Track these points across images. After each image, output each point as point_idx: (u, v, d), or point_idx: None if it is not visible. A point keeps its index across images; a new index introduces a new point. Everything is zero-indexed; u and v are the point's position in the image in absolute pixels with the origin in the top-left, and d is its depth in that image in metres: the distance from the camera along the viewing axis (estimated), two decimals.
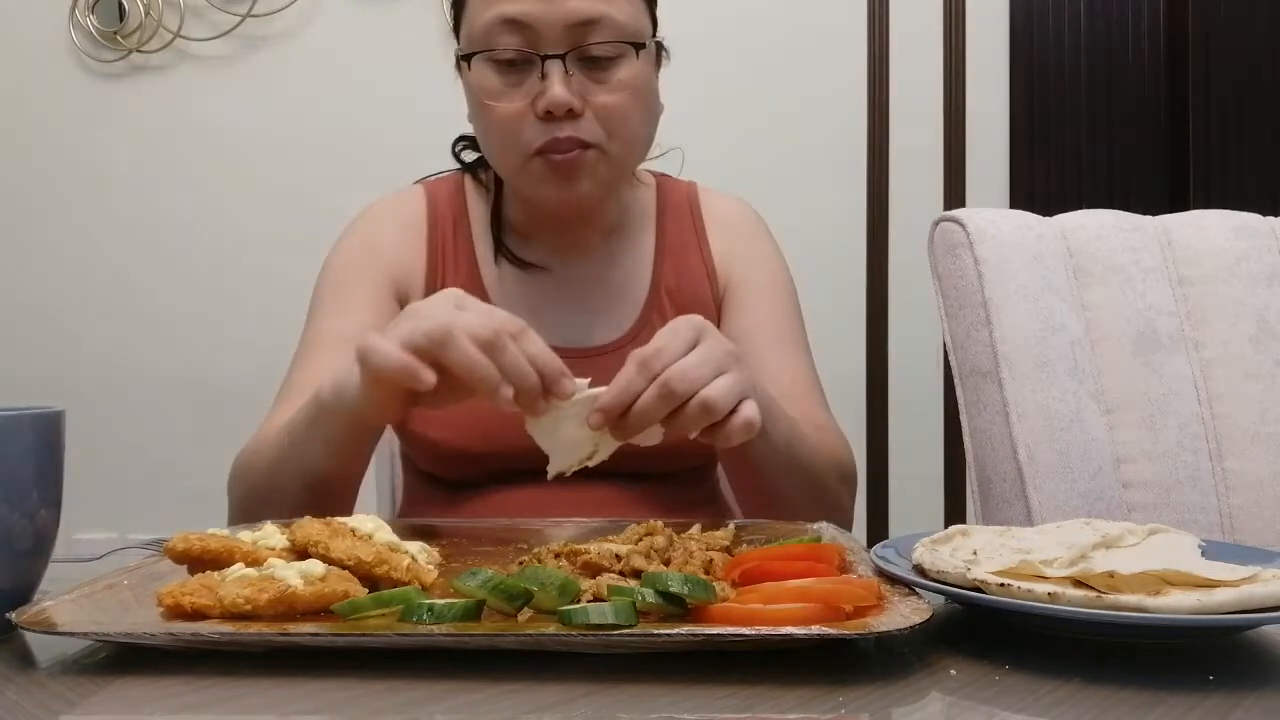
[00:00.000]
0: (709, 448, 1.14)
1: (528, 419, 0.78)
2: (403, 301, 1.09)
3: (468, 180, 1.16)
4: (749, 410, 0.80)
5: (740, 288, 1.14)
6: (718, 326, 1.14)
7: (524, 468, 1.04)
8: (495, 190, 1.13)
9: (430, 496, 1.09)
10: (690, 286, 1.13)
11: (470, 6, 1.01)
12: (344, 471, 0.92)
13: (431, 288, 1.09)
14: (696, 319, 0.81)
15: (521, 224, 1.12)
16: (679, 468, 1.10)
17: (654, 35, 1.05)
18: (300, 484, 0.90)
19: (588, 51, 0.97)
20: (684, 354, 0.78)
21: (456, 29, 1.05)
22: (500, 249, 1.11)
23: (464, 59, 1.00)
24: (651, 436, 0.80)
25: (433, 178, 1.19)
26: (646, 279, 1.13)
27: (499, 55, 0.98)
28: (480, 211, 1.13)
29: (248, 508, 0.94)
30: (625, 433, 0.78)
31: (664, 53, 1.08)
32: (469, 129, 1.10)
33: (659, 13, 1.08)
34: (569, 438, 0.79)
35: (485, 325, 0.74)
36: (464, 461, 1.05)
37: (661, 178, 1.21)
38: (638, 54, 1.00)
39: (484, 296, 1.08)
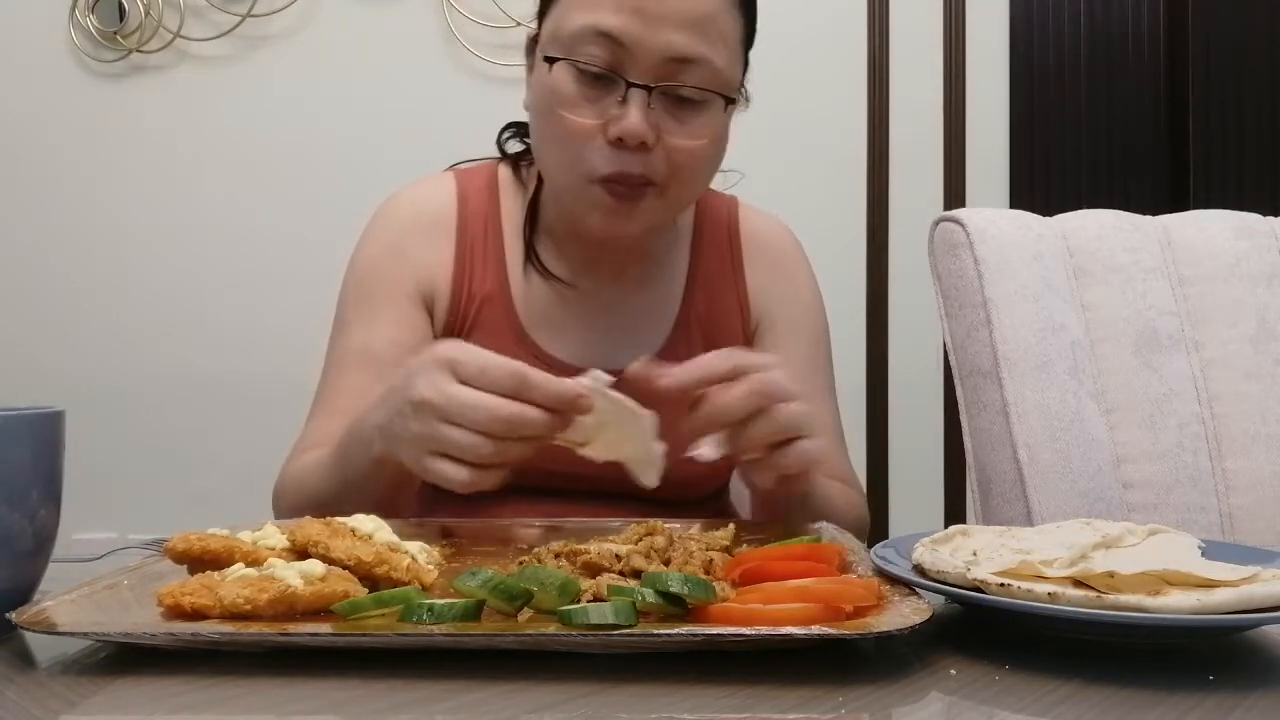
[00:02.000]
0: (722, 478, 1.12)
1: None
2: (429, 307, 1.06)
3: (502, 174, 1.11)
4: (812, 444, 0.79)
5: (775, 326, 1.11)
6: None
7: (534, 484, 1.01)
8: (534, 191, 1.08)
9: (438, 499, 1.08)
10: (722, 317, 1.10)
11: (565, 3, 0.95)
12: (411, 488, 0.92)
13: (458, 292, 1.05)
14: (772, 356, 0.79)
15: (557, 233, 1.07)
16: (693, 495, 1.08)
17: (743, 83, 1.01)
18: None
19: (676, 91, 0.92)
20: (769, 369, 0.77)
21: (541, 14, 0.99)
22: (530, 257, 1.06)
23: (547, 60, 0.94)
24: (709, 448, 0.78)
25: (465, 165, 1.13)
26: (676, 304, 1.09)
27: (583, 66, 0.92)
28: (513, 212, 1.08)
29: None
30: (696, 424, 0.76)
31: (745, 100, 1.03)
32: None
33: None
34: (628, 445, 0.77)
35: (483, 409, 0.72)
36: None
37: (703, 193, 1.16)
38: (726, 106, 0.95)
39: (509, 307, 1.05)
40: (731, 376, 0.77)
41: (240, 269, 2.37)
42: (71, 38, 2.36)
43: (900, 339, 2.30)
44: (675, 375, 0.77)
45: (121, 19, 2.34)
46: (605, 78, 0.92)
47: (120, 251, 2.39)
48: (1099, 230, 1.25)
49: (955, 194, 2.29)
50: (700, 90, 0.93)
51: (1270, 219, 1.30)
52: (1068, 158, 2.31)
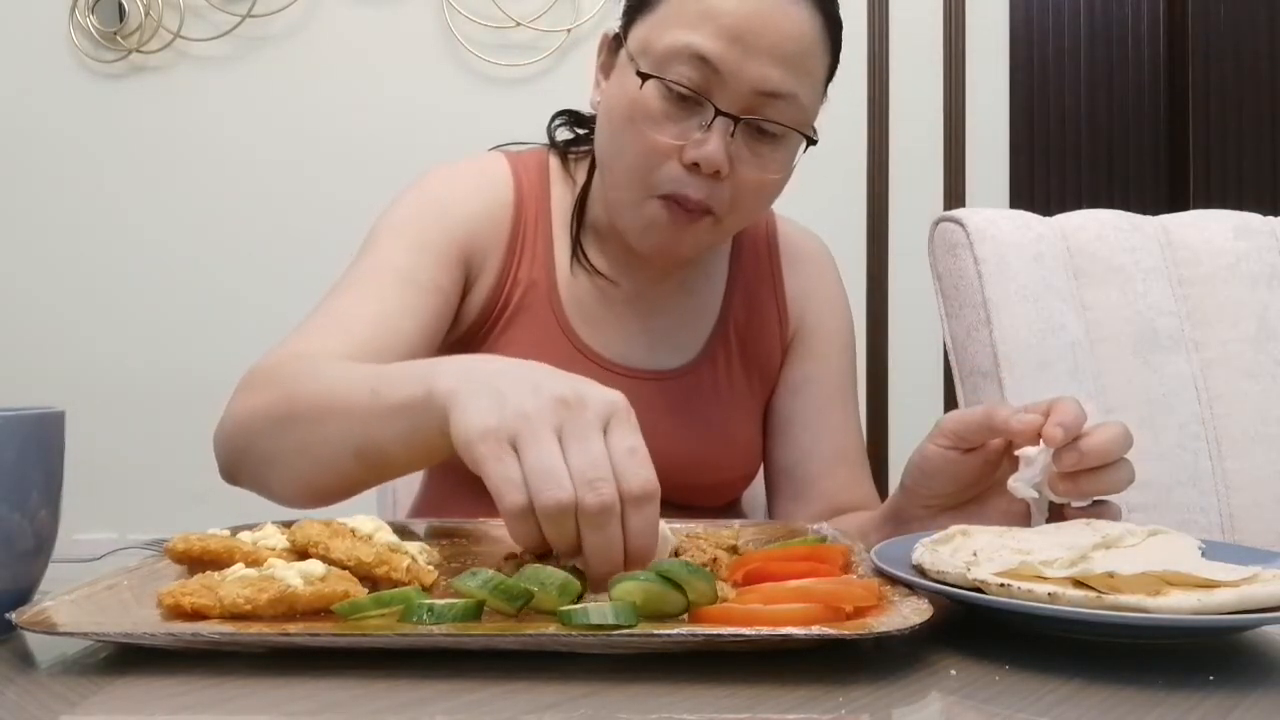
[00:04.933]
0: (738, 490, 1.11)
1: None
2: (471, 275, 1.02)
3: (553, 163, 1.09)
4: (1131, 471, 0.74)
5: (811, 335, 1.12)
6: (780, 367, 1.12)
7: None
8: (583, 186, 1.06)
9: (444, 500, 1.06)
10: (759, 323, 1.11)
11: (661, 15, 0.92)
12: (414, 465, 0.78)
13: (505, 274, 1.03)
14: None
15: (603, 230, 1.06)
16: (710, 505, 1.07)
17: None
18: (352, 455, 0.75)
19: (761, 124, 0.91)
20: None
21: (630, 19, 0.97)
22: (577, 251, 1.05)
23: (640, 75, 0.91)
24: (1025, 486, 0.74)
25: (512, 149, 1.10)
26: (716, 309, 1.10)
27: (672, 85, 0.90)
28: (563, 202, 1.07)
29: (268, 425, 0.80)
30: (1068, 461, 0.71)
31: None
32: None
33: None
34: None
35: (605, 496, 0.59)
36: None
37: None
38: (805, 146, 0.96)
39: (555, 297, 1.04)
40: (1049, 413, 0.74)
41: (240, 269, 2.37)
42: (71, 38, 2.36)
43: (900, 339, 2.30)
44: (1024, 418, 0.74)
45: (121, 19, 2.34)
46: (692, 100, 0.91)
47: (120, 251, 2.39)
48: (1099, 230, 1.25)
49: (955, 194, 2.29)
50: (783, 127, 0.92)
51: (1270, 219, 1.30)
52: (1068, 158, 2.31)
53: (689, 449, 1.03)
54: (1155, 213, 1.31)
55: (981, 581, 0.58)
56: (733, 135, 0.90)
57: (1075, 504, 0.74)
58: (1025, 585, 0.57)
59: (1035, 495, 0.74)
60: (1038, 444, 0.74)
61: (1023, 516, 0.77)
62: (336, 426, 0.75)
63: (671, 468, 1.00)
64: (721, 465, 1.07)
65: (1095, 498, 0.74)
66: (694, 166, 0.91)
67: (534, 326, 1.02)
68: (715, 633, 0.53)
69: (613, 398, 0.63)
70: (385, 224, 1.01)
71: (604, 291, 1.06)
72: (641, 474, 0.61)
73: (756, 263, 1.13)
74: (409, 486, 1.23)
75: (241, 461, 0.86)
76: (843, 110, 2.33)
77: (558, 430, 0.60)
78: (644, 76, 0.91)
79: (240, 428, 0.85)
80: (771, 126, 0.92)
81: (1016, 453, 0.75)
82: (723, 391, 1.08)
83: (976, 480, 0.80)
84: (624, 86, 0.94)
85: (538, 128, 1.14)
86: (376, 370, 0.75)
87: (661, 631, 0.53)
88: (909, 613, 0.55)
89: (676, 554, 0.67)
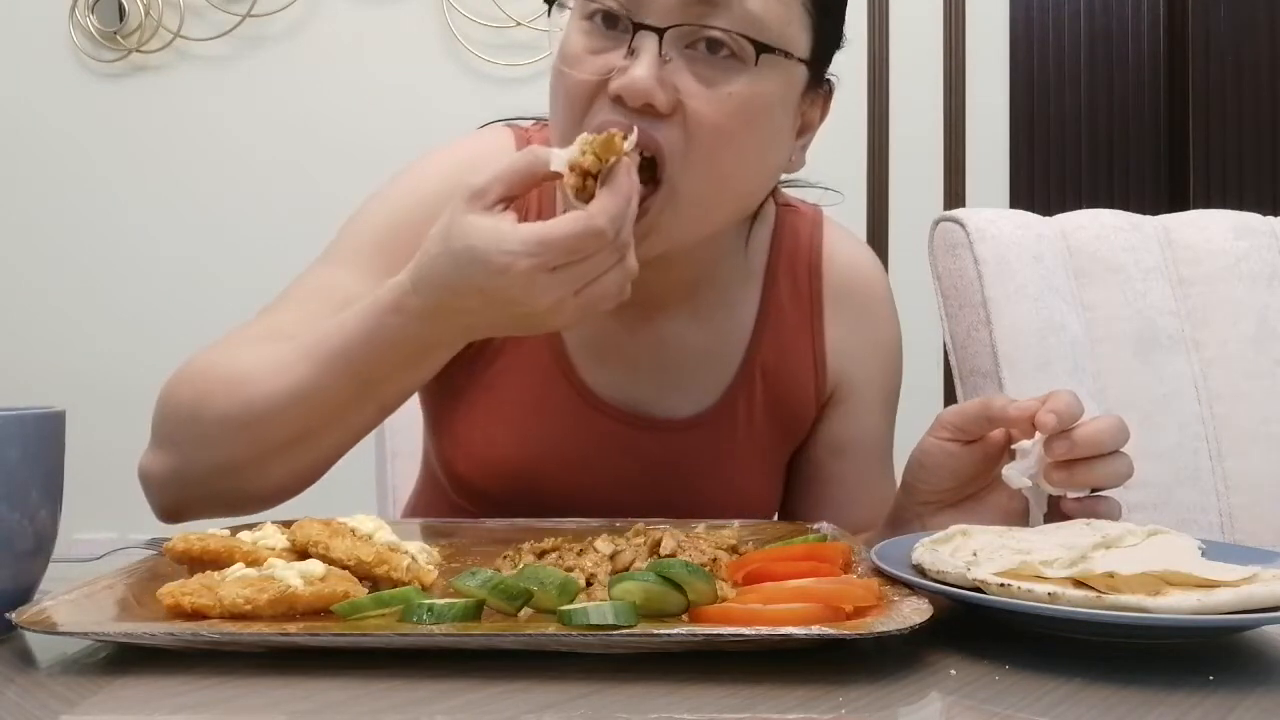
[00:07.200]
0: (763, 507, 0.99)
1: None
2: None
3: None
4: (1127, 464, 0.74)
5: (854, 392, 0.97)
6: (814, 420, 0.98)
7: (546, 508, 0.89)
8: None
9: (447, 505, 1.00)
10: (791, 370, 0.95)
11: None
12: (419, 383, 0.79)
13: None
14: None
15: None
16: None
17: (815, 60, 0.82)
18: (375, 409, 0.78)
19: (696, 35, 0.74)
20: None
21: None
22: None
23: (550, 3, 0.81)
24: (1019, 475, 0.74)
25: (521, 123, 0.96)
26: (741, 347, 0.93)
27: (587, 10, 0.77)
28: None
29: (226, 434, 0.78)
30: (1059, 450, 0.71)
31: (828, 89, 0.88)
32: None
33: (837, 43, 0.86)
34: None
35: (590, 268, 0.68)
36: (485, 503, 0.93)
37: (785, 211, 0.97)
38: (757, 59, 0.75)
39: (556, 333, 0.90)
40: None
41: (240, 268, 2.37)
42: (71, 38, 2.36)
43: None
44: (1021, 404, 0.73)
45: (121, 19, 2.34)
46: (613, 23, 0.76)
47: (120, 251, 2.39)
48: (1099, 230, 1.25)
49: (955, 194, 2.30)
50: (729, 34, 0.74)
51: (1270, 219, 1.30)
52: (1068, 158, 2.31)
53: (691, 504, 0.90)
54: (1155, 213, 1.31)
55: (981, 581, 0.58)
56: (666, 57, 0.74)
57: (1071, 495, 0.74)
58: (1025, 585, 0.57)
59: (1029, 484, 0.74)
60: (1034, 434, 0.74)
61: (1022, 515, 0.77)
62: (331, 381, 0.75)
63: (669, 518, 0.86)
64: (726, 518, 0.93)
65: (1091, 490, 0.74)
66: (619, 101, 0.74)
67: (525, 354, 0.91)
68: (715, 632, 0.53)
69: (513, 281, 0.67)
70: (355, 229, 0.90)
71: (614, 317, 0.90)
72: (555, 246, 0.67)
73: (795, 294, 0.95)
74: (408, 487, 1.23)
75: (186, 496, 0.82)
76: (843, 111, 2.32)
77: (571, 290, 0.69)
78: (550, 3, 0.81)
79: (175, 454, 0.82)
80: (712, 33, 0.74)
81: (1013, 446, 0.75)
82: (741, 444, 0.95)
83: (976, 475, 0.80)
84: (552, 43, 0.82)
85: None
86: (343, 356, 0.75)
87: (661, 631, 0.53)
88: (909, 613, 0.55)
89: (674, 553, 0.67)
